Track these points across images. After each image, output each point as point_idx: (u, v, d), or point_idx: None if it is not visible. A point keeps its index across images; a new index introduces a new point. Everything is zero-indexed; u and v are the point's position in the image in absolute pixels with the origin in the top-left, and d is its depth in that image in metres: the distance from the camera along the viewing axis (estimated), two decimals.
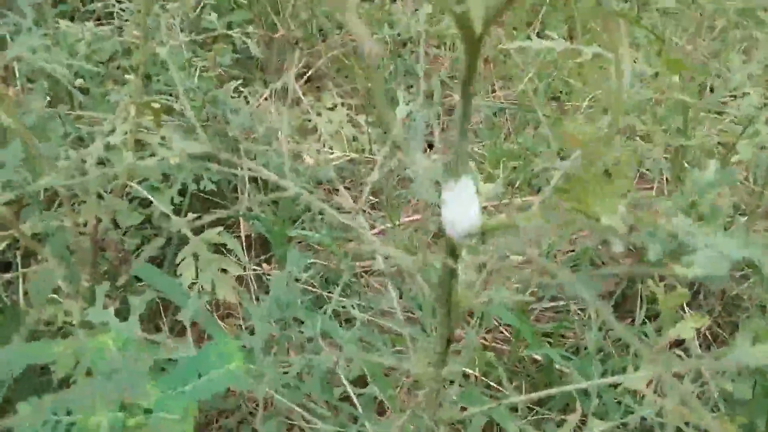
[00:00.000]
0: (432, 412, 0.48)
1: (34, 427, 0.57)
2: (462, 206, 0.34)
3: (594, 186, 0.25)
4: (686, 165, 0.96)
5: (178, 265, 1.11)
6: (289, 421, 0.92)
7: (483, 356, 0.94)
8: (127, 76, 0.89)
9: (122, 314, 0.76)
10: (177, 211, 1.01)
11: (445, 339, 0.44)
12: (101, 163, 0.94)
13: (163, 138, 0.83)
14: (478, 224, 0.34)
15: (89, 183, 0.72)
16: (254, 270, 1.16)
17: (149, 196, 0.93)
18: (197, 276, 0.84)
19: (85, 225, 0.98)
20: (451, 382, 0.53)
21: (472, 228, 0.34)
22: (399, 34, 1.55)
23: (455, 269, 0.39)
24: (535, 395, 0.52)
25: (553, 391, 0.46)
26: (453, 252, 0.38)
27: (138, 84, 0.75)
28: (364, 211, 1.42)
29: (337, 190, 1.50)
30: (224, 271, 0.78)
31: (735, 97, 1.33)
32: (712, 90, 1.42)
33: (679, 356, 0.84)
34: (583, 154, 0.25)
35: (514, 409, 0.85)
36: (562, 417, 0.84)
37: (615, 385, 0.85)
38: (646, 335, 0.92)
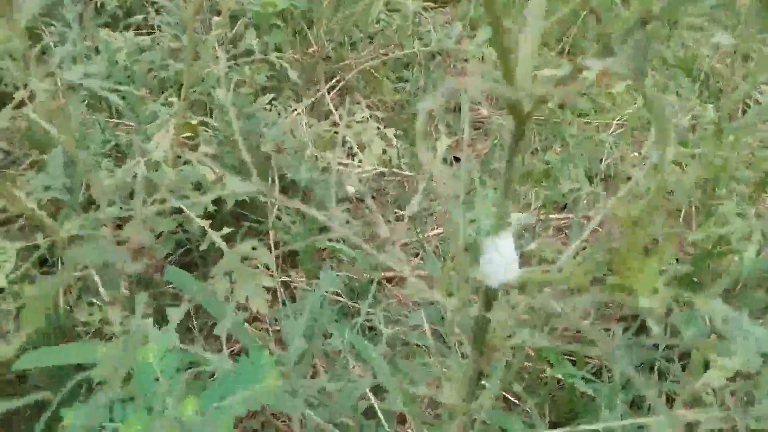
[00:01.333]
0: None
1: None
2: (502, 260, 0.36)
3: (635, 262, 0.26)
4: (717, 194, 0.96)
5: (207, 270, 1.13)
6: None
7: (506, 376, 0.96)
8: (171, 100, 0.92)
9: (156, 321, 0.80)
10: (209, 218, 1.04)
11: (476, 375, 0.46)
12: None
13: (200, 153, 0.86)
14: (517, 277, 0.36)
15: (136, 205, 0.75)
16: (282, 279, 1.18)
17: (183, 207, 0.96)
18: (232, 289, 0.87)
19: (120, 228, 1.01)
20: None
21: (510, 281, 0.36)
22: (427, 46, 1.57)
23: (489, 319, 0.41)
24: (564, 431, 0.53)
25: (581, 429, 0.48)
26: (489, 302, 0.40)
27: (183, 105, 0.78)
28: (390, 222, 1.44)
29: (364, 200, 1.51)
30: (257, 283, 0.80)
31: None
32: (744, 112, 1.42)
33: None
34: (625, 232, 0.27)
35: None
36: None
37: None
38: (667, 369, 0.93)
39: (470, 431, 0.48)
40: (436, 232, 1.30)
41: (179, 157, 0.82)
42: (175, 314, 0.74)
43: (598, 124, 1.71)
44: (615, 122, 1.63)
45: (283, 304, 1.10)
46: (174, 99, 0.96)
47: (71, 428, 0.61)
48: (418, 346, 1.05)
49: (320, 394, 0.75)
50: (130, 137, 1.07)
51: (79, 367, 0.97)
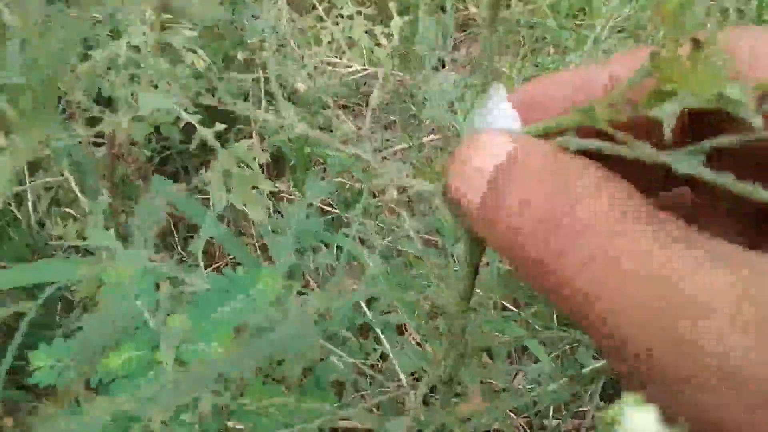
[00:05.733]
0: (461, 341, 0.46)
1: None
2: (500, 118, 0.31)
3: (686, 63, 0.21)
4: None
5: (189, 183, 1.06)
6: None
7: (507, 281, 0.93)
8: None
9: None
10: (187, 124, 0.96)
11: (473, 270, 0.41)
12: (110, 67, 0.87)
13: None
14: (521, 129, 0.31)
15: (117, 90, 0.66)
16: (273, 189, 1.12)
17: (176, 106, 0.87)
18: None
19: (98, 136, 0.92)
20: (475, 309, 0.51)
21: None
22: None
23: None
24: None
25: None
26: None
27: None
28: (373, 132, 1.37)
29: (358, 105, 1.42)
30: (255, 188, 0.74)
31: None
32: None
33: None
34: (668, 27, 0.22)
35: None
36: None
37: None
38: None
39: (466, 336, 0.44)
40: (430, 138, 1.24)
41: (161, 44, 0.72)
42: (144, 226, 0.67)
43: (590, 25, 1.63)
44: (609, 24, 1.55)
45: (277, 213, 1.04)
46: None
47: (40, 372, 0.56)
48: (416, 257, 1.01)
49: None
50: (100, 31, 0.96)
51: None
